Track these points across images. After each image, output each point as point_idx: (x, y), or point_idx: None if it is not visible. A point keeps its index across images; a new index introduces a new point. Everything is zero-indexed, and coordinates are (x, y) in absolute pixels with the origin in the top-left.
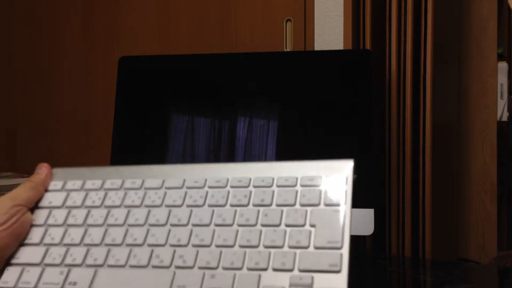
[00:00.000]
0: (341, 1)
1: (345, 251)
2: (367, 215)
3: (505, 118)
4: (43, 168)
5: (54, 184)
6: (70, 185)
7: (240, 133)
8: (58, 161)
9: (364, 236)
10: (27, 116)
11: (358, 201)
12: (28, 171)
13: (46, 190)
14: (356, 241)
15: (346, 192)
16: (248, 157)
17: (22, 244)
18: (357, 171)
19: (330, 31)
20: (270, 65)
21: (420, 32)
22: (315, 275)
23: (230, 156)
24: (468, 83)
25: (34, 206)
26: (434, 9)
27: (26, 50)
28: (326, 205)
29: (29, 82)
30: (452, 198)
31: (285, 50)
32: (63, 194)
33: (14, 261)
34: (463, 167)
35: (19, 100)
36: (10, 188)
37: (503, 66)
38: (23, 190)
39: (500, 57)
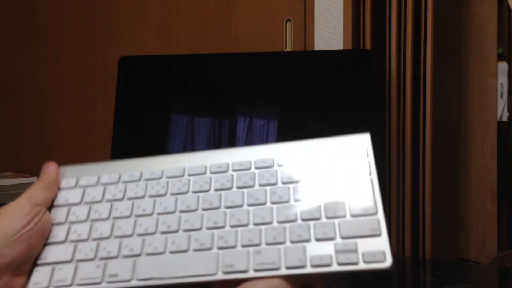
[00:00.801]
0: (341, 1)
1: (381, 216)
2: None
3: (505, 118)
4: (50, 167)
5: (66, 182)
6: (84, 181)
7: (240, 133)
8: (58, 161)
9: None
10: (27, 116)
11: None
12: (28, 171)
13: (59, 189)
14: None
15: (369, 163)
16: None
17: (45, 244)
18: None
19: (330, 31)
20: (270, 65)
21: (420, 32)
22: (358, 240)
23: None
24: (468, 83)
25: (50, 206)
26: (434, 9)
27: (26, 50)
28: (354, 175)
29: (29, 82)
30: (452, 198)
31: (285, 50)
32: (79, 190)
33: (41, 261)
34: (463, 167)
35: (19, 100)
36: (10, 188)
37: (503, 66)
38: (38, 190)
39: (500, 57)
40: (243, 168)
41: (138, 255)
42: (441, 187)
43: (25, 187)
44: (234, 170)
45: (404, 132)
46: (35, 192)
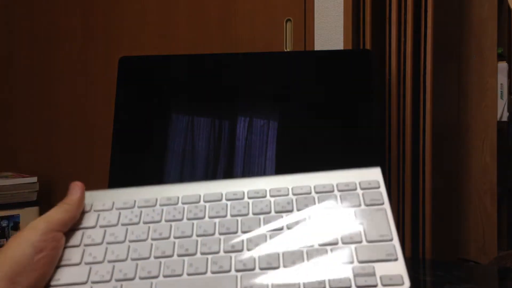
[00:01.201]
0: (341, 1)
1: (396, 242)
2: None
3: (505, 118)
4: (76, 189)
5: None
6: (99, 205)
7: (240, 133)
8: (58, 160)
9: None
10: (27, 116)
11: None
12: (28, 171)
13: (83, 211)
14: None
15: (381, 193)
16: (248, 157)
17: (59, 265)
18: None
19: (330, 31)
20: (270, 65)
21: (420, 32)
22: (375, 264)
23: (230, 156)
24: (468, 83)
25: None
26: (434, 9)
27: (26, 50)
28: (368, 205)
29: (29, 82)
30: (452, 198)
31: (285, 50)
32: (94, 214)
33: (55, 282)
34: (463, 167)
35: (19, 100)
36: (10, 188)
37: (503, 66)
38: (57, 213)
39: (500, 57)
40: (259, 196)
41: (156, 276)
42: (441, 187)
43: (25, 187)
44: (250, 198)
45: (404, 132)
46: (53, 216)
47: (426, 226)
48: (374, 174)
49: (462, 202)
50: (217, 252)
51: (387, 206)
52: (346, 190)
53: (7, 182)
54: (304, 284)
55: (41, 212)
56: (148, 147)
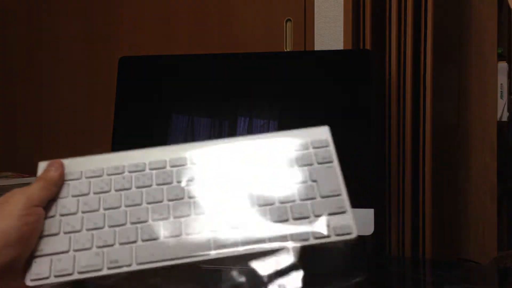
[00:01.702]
0: (341, 1)
1: (345, 196)
2: (367, 215)
3: (505, 118)
4: (56, 166)
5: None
6: (68, 175)
7: (240, 133)
8: None
9: (364, 236)
10: (27, 116)
11: (358, 201)
12: (28, 171)
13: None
14: (356, 241)
15: (331, 151)
16: None
17: (40, 236)
18: (356, 169)
19: (330, 31)
20: (270, 65)
21: (420, 32)
22: (328, 217)
23: None
24: (468, 83)
25: None
26: (434, 9)
27: (26, 50)
28: (320, 163)
29: (29, 82)
30: (452, 198)
31: (285, 50)
32: (65, 184)
33: (38, 253)
34: (463, 167)
35: (19, 100)
36: (10, 188)
37: (503, 66)
38: (37, 189)
39: (500, 57)
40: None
41: (134, 241)
42: (441, 187)
43: None
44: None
45: (404, 132)
46: (34, 192)
47: (426, 226)
48: (323, 133)
49: (462, 202)
50: (189, 215)
51: (336, 163)
52: (301, 150)
53: (7, 182)
54: (269, 238)
55: None
56: (148, 147)
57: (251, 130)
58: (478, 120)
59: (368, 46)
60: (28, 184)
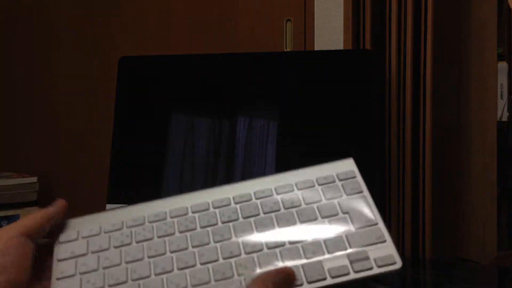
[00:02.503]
0: (341, 1)
1: (382, 225)
2: None
3: (505, 118)
4: (57, 203)
5: (67, 235)
6: (86, 231)
7: (240, 133)
8: (58, 160)
9: None
10: (27, 116)
11: None
12: (28, 171)
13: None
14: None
15: (359, 182)
16: (248, 157)
17: None
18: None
19: (330, 31)
20: (270, 65)
21: (420, 32)
22: (367, 248)
23: (230, 156)
24: (468, 83)
25: (56, 259)
26: (434, 9)
27: (26, 50)
28: (349, 194)
29: (29, 82)
30: (452, 198)
31: (285, 50)
32: (83, 241)
33: None
34: (463, 167)
35: (19, 100)
36: (10, 188)
37: (503, 66)
38: (24, 219)
39: (500, 57)
40: (244, 200)
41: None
42: (441, 187)
43: (25, 187)
44: (236, 203)
45: (404, 132)
46: (20, 222)
47: (426, 226)
48: (349, 165)
49: (462, 202)
50: (216, 260)
51: (366, 193)
52: (326, 183)
53: (7, 182)
54: (306, 277)
55: None
56: (148, 147)
57: (251, 130)
58: (478, 120)
59: (368, 46)
60: (26, 183)
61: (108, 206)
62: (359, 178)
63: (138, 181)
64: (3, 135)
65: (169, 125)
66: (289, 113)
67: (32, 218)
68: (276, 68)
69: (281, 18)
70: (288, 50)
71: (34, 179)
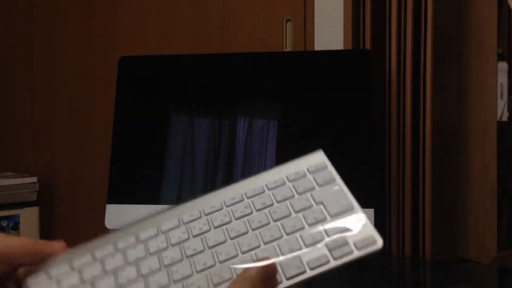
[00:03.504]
0: (341, 1)
1: (358, 209)
2: (367, 215)
3: (505, 118)
4: (52, 243)
5: (58, 271)
6: (78, 262)
7: (240, 133)
8: (58, 160)
9: None
10: (27, 115)
11: (358, 201)
12: (28, 171)
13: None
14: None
15: (331, 172)
16: (248, 157)
17: None
18: (357, 169)
19: (330, 31)
20: (270, 65)
21: (420, 32)
22: (345, 234)
23: (230, 156)
24: (468, 83)
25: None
26: (434, 9)
27: (26, 50)
28: (321, 185)
29: (29, 82)
30: (452, 198)
31: (285, 50)
32: (75, 273)
33: None
34: (463, 167)
35: (20, 100)
36: (10, 188)
37: (503, 66)
38: (15, 242)
39: (500, 57)
40: (216, 210)
41: None
42: (441, 187)
43: (25, 187)
44: (206, 214)
45: (404, 132)
46: (8, 244)
47: (426, 226)
48: (319, 157)
49: (462, 202)
50: (213, 265)
51: (339, 181)
52: (297, 179)
53: (7, 182)
54: (284, 273)
55: (41, 212)
56: (148, 146)
57: (251, 130)
58: (478, 120)
59: (368, 46)
60: (26, 183)
61: (108, 206)
62: (330, 168)
63: (138, 181)
64: (3, 135)
65: (169, 125)
66: (289, 113)
67: (25, 244)
68: (276, 68)
69: (281, 18)
70: (288, 50)
71: (34, 179)
